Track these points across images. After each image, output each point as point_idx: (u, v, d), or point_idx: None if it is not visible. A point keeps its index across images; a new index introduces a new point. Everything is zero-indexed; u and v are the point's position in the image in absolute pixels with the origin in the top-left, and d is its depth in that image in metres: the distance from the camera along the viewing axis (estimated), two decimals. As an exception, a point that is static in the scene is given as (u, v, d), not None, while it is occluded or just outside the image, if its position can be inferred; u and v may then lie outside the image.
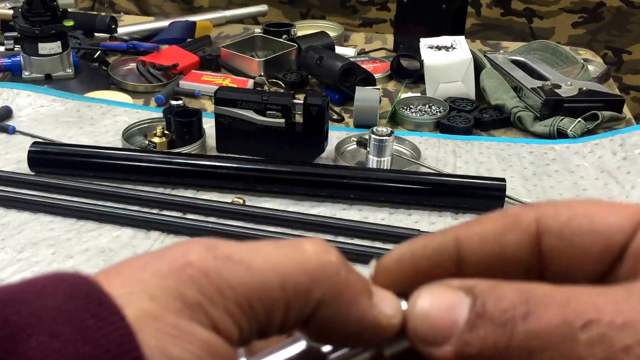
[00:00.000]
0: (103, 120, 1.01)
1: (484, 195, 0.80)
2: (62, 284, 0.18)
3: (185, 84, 1.14)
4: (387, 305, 0.22)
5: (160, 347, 0.17)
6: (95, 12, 1.65)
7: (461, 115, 1.04)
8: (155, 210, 0.79)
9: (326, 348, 0.22)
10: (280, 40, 1.28)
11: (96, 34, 1.34)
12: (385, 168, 0.87)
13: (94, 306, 0.17)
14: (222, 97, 0.87)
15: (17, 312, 0.17)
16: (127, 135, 0.94)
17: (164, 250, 0.21)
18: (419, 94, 1.14)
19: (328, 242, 0.72)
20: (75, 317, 0.17)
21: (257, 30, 1.36)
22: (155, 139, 0.90)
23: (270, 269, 0.20)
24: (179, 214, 0.78)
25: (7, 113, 1.01)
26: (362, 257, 0.71)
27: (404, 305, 0.22)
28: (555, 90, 1.02)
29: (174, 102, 0.92)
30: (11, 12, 1.19)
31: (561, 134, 0.99)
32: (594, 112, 1.00)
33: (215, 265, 0.19)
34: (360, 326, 0.21)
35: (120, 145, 0.92)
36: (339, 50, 1.30)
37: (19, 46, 1.10)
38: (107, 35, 1.32)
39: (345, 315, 0.21)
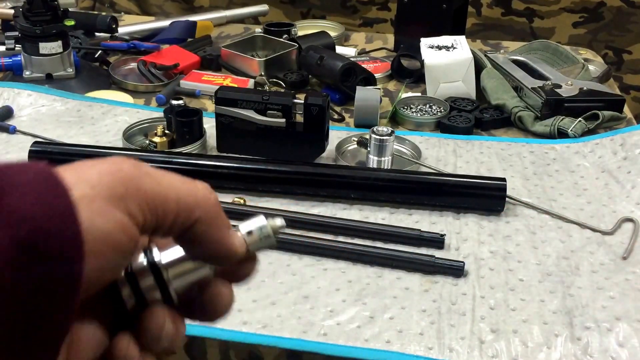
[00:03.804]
0: (104, 120, 1.01)
1: (484, 195, 0.80)
2: (33, 167, 0.26)
3: (185, 83, 1.14)
4: (240, 240, 0.34)
5: (90, 218, 0.26)
6: (95, 12, 1.65)
7: (462, 115, 1.04)
8: (155, 210, 0.79)
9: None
10: (281, 40, 1.28)
11: (97, 34, 1.34)
12: (385, 168, 0.87)
13: (52, 184, 0.26)
14: (222, 97, 0.87)
15: (1, 179, 0.25)
16: (128, 135, 0.94)
17: (106, 158, 0.29)
18: (419, 94, 1.14)
19: (328, 242, 0.72)
20: (40, 189, 0.25)
21: (258, 30, 1.36)
22: (156, 139, 0.90)
23: (172, 188, 0.30)
24: (180, 214, 0.78)
25: (7, 113, 1.01)
26: (363, 257, 0.71)
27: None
28: (555, 90, 1.02)
29: (174, 102, 0.92)
30: (12, 11, 1.19)
31: (562, 134, 0.99)
32: (594, 112, 0.99)
33: (138, 175, 0.28)
34: (218, 246, 0.31)
35: (121, 145, 0.92)
36: (339, 50, 1.30)
37: (20, 46, 1.11)
38: (108, 35, 1.32)
39: (211, 234, 0.31)
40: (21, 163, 0.26)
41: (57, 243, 0.25)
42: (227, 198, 0.81)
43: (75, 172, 0.27)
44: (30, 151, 0.85)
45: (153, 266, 0.31)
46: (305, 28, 1.43)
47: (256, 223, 0.35)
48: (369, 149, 0.87)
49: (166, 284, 0.31)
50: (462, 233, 0.76)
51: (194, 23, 1.37)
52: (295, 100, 0.86)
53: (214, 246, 0.32)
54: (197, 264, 0.32)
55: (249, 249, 0.35)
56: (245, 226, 0.35)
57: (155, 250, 0.31)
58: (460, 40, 1.12)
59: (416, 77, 1.20)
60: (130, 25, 1.40)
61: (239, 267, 0.36)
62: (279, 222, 0.37)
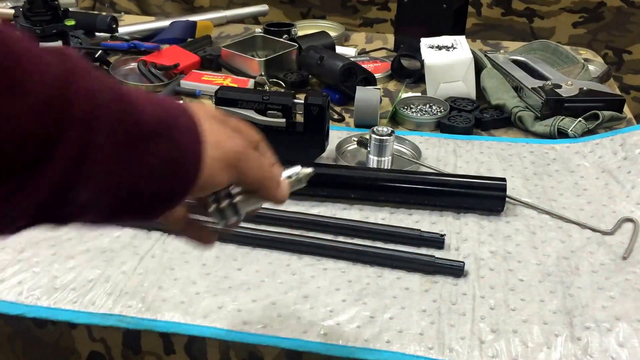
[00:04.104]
0: (104, 120, 1.01)
1: (484, 195, 0.80)
2: (192, 124, 0.43)
3: (186, 83, 1.14)
4: (283, 192, 0.52)
5: (209, 168, 0.43)
6: (96, 12, 1.66)
7: (462, 115, 1.04)
8: (155, 210, 0.79)
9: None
10: (281, 40, 1.28)
11: (97, 34, 1.34)
12: (385, 168, 0.87)
13: (198, 139, 0.43)
14: (222, 97, 0.87)
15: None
16: (128, 135, 0.94)
17: (236, 136, 0.47)
18: (419, 94, 1.14)
19: (328, 242, 0.72)
20: (192, 139, 0.43)
21: (258, 30, 1.36)
22: (156, 139, 0.90)
23: (258, 173, 0.49)
24: (180, 214, 0.79)
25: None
26: (363, 257, 0.71)
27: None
28: (555, 90, 1.02)
29: (174, 102, 0.92)
30: (12, 11, 1.19)
31: (562, 134, 0.99)
32: (594, 112, 1.00)
33: (244, 158, 0.47)
34: (270, 198, 0.51)
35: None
36: (339, 50, 1.30)
37: (20, 46, 1.10)
38: (108, 35, 1.33)
39: (267, 195, 0.50)
40: (182, 114, 0.43)
41: (193, 166, 0.42)
42: (227, 198, 0.81)
43: (213, 137, 0.44)
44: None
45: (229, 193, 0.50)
46: (305, 28, 1.43)
47: (293, 170, 0.54)
48: (369, 149, 0.87)
49: (235, 203, 0.50)
50: (462, 233, 0.76)
51: (194, 23, 1.37)
52: (295, 100, 0.86)
53: (268, 199, 0.51)
54: (255, 200, 0.51)
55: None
56: (286, 172, 0.53)
57: (233, 187, 0.50)
58: (460, 40, 1.12)
59: (416, 77, 1.20)
60: (131, 25, 1.40)
61: None
62: (309, 169, 0.54)
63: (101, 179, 0.37)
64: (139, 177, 0.39)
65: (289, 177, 0.53)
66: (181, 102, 0.55)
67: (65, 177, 0.34)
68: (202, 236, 0.52)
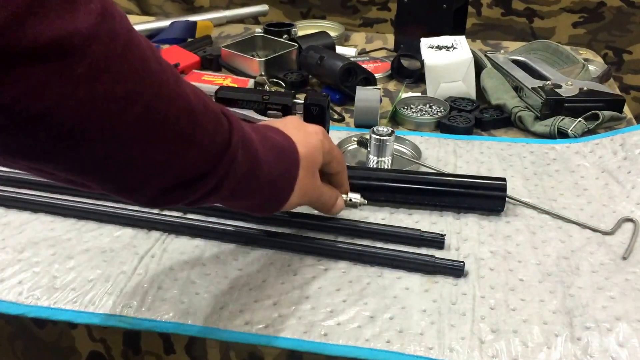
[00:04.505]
0: (104, 120, 1.01)
1: (484, 195, 0.80)
2: (288, 141, 0.64)
3: (185, 83, 1.14)
4: (340, 206, 0.74)
5: (302, 179, 0.65)
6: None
7: (462, 115, 1.04)
8: (156, 210, 0.79)
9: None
10: (281, 40, 1.28)
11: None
12: (385, 168, 0.87)
13: (294, 157, 0.64)
14: (222, 97, 0.87)
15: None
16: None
17: (313, 139, 0.67)
18: (419, 94, 1.14)
19: (328, 242, 0.72)
20: (289, 158, 0.64)
21: (258, 30, 1.36)
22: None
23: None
24: (180, 214, 0.79)
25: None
26: (363, 257, 0.71)
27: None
28: (555, 90, 1.02)
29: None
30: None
31: (562, 134, 0.99)
32: (594, 112, 1.00)
33: (327, 151, 0.69)
34: (331, 206, 0.73)
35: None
36: (339, 50, 1.30)
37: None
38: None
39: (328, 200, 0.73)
40: (280, 134, 0.65)
41: (289, 184, 0.63)
42: (227, 198, 0.82)
43: (304, 148, 0.65)
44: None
45: None
46: (305, 28, 1.43)
47: (355, 196, 0.75)
48: (369, 149, 0.87)
49: None
50: (462, 233, 0.76)
51: (194, 23, 1.37)
52: (296, 100, 0.86)
53: (322, 211, 0.74)
54: None
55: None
56: (350, 195, 0.75)
57: None
58: (460, 40, 1.12)
59: (416, 77, 1.20)
60: (131, 25, 1.40)
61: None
62: (364, 201, 0.75)
63: (219, 201, 0.58)
64: (245, 204, 0.62)
65: (349, 199, 0.74)
66: (293, 132, 0.66)
67: (199, 197, 0.54)
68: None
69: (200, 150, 0.51)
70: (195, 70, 1.20)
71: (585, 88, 1.03)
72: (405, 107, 1.07)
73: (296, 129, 0.66)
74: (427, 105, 1.08)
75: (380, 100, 1.05)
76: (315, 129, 0.68)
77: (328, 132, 0.89)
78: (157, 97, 0.46)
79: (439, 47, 1.11)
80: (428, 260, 0.70)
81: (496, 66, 1.14)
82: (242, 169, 0.56)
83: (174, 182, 0.51)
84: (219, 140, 0.53)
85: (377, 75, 1.17)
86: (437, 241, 0.74)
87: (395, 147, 0.90)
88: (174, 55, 1.23)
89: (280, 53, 1.22)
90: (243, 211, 0.64)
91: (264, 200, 0.62)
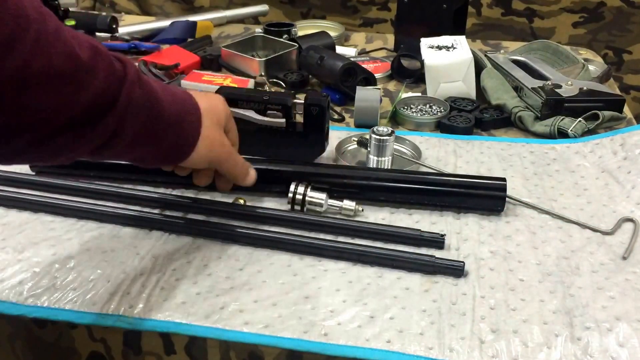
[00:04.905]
0: (104, 120, 1.01)
1: (484, 195, 0.80)
2: (190, 100, 0.69)
3: (186, 83, 1.14)
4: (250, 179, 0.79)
5: (206, 128, 0.69)
6: (96, 12, 1.66)
7: (462, 115, 1.04)
8: (156, 210, 0.79)
9: None
10: (281, 40, 1.28)
11: (97, 34, 1.34)
12: (385, 168, 0.87)
13: (196, 110, 0.69)
14: (222, 97, 0.87)
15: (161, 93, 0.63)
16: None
17: (215, 97, 0.74)
18: (419, 94, 1.14)
19: (328, 242, 0.72)
20: (191, 112, 0.68)
21: (258, 30, 1.36)
22: (156, 139, 0.90)
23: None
24: (180, 214, 0.79)
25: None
26: (363, 257, 0.71)
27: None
28: (555, 90, 1.02)
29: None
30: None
31: (562, 134, 0.99)
32: (594, 112, 1.00)
33: (228, 116, 0.75)
34: (237, 179, 0.78)
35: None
36: (339, 50, 1.30)
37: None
38: (108, 35, 1.33)
39: (234, 175, 0.77)
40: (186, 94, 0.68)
41: (186, 153, 0.67)
42: (227, 198, 0.81)
43: (205, 103, 0.69)
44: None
45: None
46: (305, 28, 1.43)
47: (348, 203, 0.79)
48: (369, 149, 0.87)
49: None
50: (462, 233, 0.76)
51: (194, 23, 1.37)
52: (296, 101, 0.86)
53: (235, 179, 0.78)
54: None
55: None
56: (344, 202, 0.79)
57: None
58: (460, 40, 1.12)
59: (416, 77, 1.20)
60: (131, 25, 1.40)
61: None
62: (356, 207, 0.79)
63: (127, 147, 0.59)
64: (152, 151, 0.64)
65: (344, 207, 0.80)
66: (194, 93, 0.70)
67: (105, 140, 0.56)
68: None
69: (92, 91, 0.52)
70: (196, 70, 1.20)
71: (585, 88, 1.03)
72: (405, 107, 1.07)
73: (195, 92, 0.71)
74: (427, 105, 1.08)
75: (380, 100, 1.05)
76: (216, 94, 0.75)
77: (328, 132, 0.89)
78: (37, 44, 0.47)
79: (439, 47, 1.11)
80: (428, 260, 0.70)
81: (496, 66, 1.14)
82: (142, 108, 0.58)
83: (65, 123, 0.52)
84: (113, 80, 0.55)
85: (377, 75, 1.17)
86: (437, 241, 0.74)
87: (395, 147, 0.90)
88: (174, 55, 1.23)
89: (280, 53, 1.22)
90: (152, 164, 0.67)
91: (170, 146, 0.64)
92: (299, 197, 0.78)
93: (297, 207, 0.79)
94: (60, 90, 0.50)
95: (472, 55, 1.08)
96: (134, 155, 0.63)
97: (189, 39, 1.34)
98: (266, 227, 0.76)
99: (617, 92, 1.13)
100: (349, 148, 0.94)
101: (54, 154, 0.54)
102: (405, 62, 1.23)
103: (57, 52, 0.49)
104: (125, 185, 0.83)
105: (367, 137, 0.87)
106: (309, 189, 0.79)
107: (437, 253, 0.72)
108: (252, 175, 0.77)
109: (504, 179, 0.80)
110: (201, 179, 0.77)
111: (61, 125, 0.52)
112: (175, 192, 0.83)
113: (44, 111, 0.50)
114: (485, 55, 1.17)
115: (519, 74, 1.09)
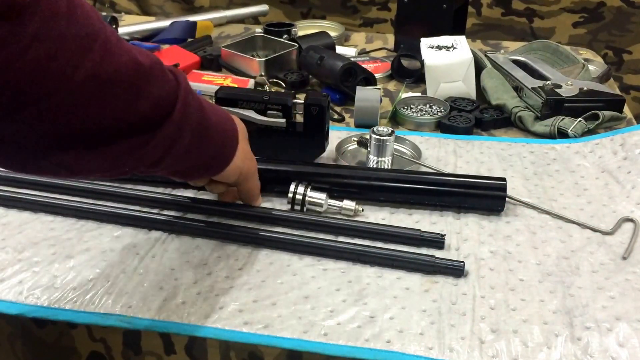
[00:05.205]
0: (104, 120, 1.01)
1: (484, 195, 0.80)
2: (227, 115, 0.72)
3: (186, 83, 1.14)
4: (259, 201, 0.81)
5: (240, 147, 0.71)
6: (96, 12, 1.65)
7: (462, 115, 1.04)
8: (156, 210, 0.79)
9: None
10: (281, 40, 1.28)
11: (97, 34, 1.33)
12: (385, 168, 0.87)
13: (234, 128, 0.71)
14: (222, 97, 0.87)
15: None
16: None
17: (239, 121, 0.74)
18: (419, 94, 1.14)
19: (328, 242, 0.72)
20: (232, 129, 0.71)
21: (258, 30, 1.36)
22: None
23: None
24: (180, 214, 0.79)
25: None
26: (363, 257, 0.71)
27: None
28: (555, 90, 1.02)
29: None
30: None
31: (562, 134, 0.99)
32: (594, 112, 1.00)
33: (254, 174, 0.77)
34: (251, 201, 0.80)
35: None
36: (339, 50, 1.30)
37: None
38: (108, 35, 1.32)
39: (248, 195, 0.79)
40: (222, 111, 0.70)
41: (225, 162, 0.69)
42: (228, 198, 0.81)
43: (242, 152, 0.71)
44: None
45: None
46: (305, 28, 1.43)
47: (348, 203, 0.80)
48: (369, 149, 0.87)
49: None
50: (462, 233, 0.76)
51: (194, 23, 1.37)
52: (296, 101, 0.86)
53: (250, 198, 0.79)
54: None
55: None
56: (344, 202, 0.80)
57: None
58: (461, 40, 1.12)
59: (416, 77, 1.20)
60: (131, 25, 1.40)
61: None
62: (356, 207, 0.80)
63: (182, 157, 0.61)
64: (200, 161, 0.66)
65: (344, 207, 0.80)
66: (234, 117, 0.73)
67: (165, 148, 0.57)
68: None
69: (152, 99, 0.54)
70: (195, 71, 1.20)
71: (585, 88, 1.03)
72: (405, 107, 1.07)
73: None
74: (427, 105, 1.08)
75: (380, 100, 1.05)
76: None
77: (328, 132, 0.89)
78: (105, 52, 0.48)
79: (439, 47, 1.11)
80: (428, 260, 0.70)
81: (496, 66, 1.14)
82: (194, 116, 0.60)
83: (126, 129, 0.53)
84: (169, 88, 0.57)
85: (377, 75, 1.17)
86: (437, 241, 0.74)
87: (395, 147, 0.90)
88: (174, 55, 1.23)
89: (280, 53, 1.22)
90: (196, 176, 0.71)
91: (215, 154, 0.68)
92: (299, 197, 0.78)
93: (297, 207, 0.79)
94: (124, 97, 0.51)
95: (472, 55, 1.08)
96: (185, 165, 0.64)
97: (189, 39, 1.34)
98: (266, 227, 0.76)
99: (617, 92, 1.13)
100: (349, 148, 0.94)
101: (115, 162, 0.55)
102: (405, 62, 1.23)
103: (122, 61, 0.50)
104: (125, 185, 0.83)
105: (367, 137, 0.87)
106: (309, 189, 0.79)
107: (437, 253, 0.72)
108: (260, 199, 0.80)
109: (504, 179, 0.80)
110: (227, 195, 0.79)
111: (123, 131, 0.53)
112: (175, 192, 0.83)
113: (107, 118, 0.51)
114: (485, 55, 1.17)
115: (519, 74, 1.09)
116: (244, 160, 0.72)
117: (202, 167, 0.68)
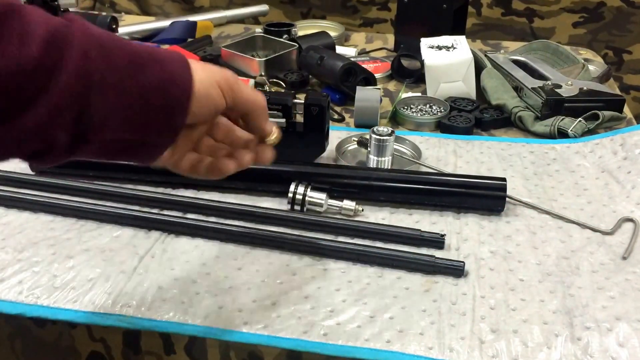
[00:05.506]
0: (104, 120, 1.01)
1: (485, 195, 0.79)
2: (177, 55, 0.49)
3: (185, 83, 1.14)
4: (271, 125, 0.58)
5: (199, 82, 0.49)
6: (96, 12, 1.65)
7: (462, 115, 1.04)
8: (155, 210, 0.79)
9: None
10: (281, 40, 1.28)
11: (97, 34, 1.33)
12: (385, 168, 0.87)
13: (186, 65, 0.49)
14: (222, 97, 0.87)
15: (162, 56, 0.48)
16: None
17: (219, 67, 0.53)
18: (419, 94, 1.14)
19: (328, 242, 0.71)
20: (180, 65, 0.48)
21: (258, 30, 1.36)
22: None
23: (247, 90, 0.54)
24: (180, 214, 0.78)
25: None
26: (363, 257, 0.71)
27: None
28: (555, 90, 1.02)
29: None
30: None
31: (562, 134, 0.99)
32: (594, 112, 1.00)
33: (232, 77, 0.53)
34: (259, 125, 0.57)
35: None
36: (339, 50, 1.30)
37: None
38: (108, 35, 1.32)
39: (257, 120, 0.56)
40: (171, 51, 0.49)
41: (180, 87, 0.48)
42: (226, 198, 0.81)
43: (199, 64, 0.50)
44: (30, 151, 0.85)
45: None
46: (305, 28, 1.43)
47: (348, 203, 0.79)
48: (369, 149, 0.87)
49: None
50: (462, 233, 0.76)
51: (194, 23, 1.37)
52: (296, 101, 0.86)
53: (257, 125, 0.57)
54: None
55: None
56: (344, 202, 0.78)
57: None
58: (461, 40, 1.12)
59: (416, 77, 1.20)
60: (131, 25, 1.40)
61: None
62: (356, 207, 0.79)
63: (107, 98, 0.44)
64: (139, 95, 0.45)
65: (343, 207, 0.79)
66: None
67: (69, 99, 0.41)
68: (215, 167, 0.58)
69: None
70: (195, 70, 1.20)
71: (585, 88, 1.03)
72: (405, 107, 1.07)
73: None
74: (427, 105, 1.08)
75: (380, 100, 1.05)
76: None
77: (328, 132, 0.89)
78: None
79: (439, 47, 1.10)
80: (428, 260, 0.69)
81: (496, 66, 1.13)
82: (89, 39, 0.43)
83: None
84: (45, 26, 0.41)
85: (377, 75, 1.17)
86: (437, 241, 0.74)
87: (395, 147, 0.90)
88: (174, 55, 1.23)
89: (280, 53, 1.22)
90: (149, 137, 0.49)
91: (159, 83, 0.46)
92: (299, 197, 0.78)
93: (297, 207, 0.79)
94: None
95: (472, 55, 1.08)
96: (124, 117, 0.46)
97: (189, 39, 1.34)
98: (266, 227, 0.76)
99: (617, 92, 1.13)
100: (349, 148, 0.94)
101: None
102: (405, 62, 1.23)
103: None
104: (125, 185, 0.83)
105: (367, 137, 0.87)
106: (309, 189, 0.79)
107: (437, 253, 0.72)
108: (275, 129, 0.59)
109: (504, 179, 0.80)
110: (199, 167, 0.58)
111: None
112: (175, 192, 0.83)
113: None
114: (485, 55, 1.17)
115: (519, 74, 1.09)
116: (209, 73, 0.51)
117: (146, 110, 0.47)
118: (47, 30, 0.41)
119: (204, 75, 0.50)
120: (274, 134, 0.59)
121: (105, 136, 0.45)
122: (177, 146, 0.55)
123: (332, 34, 1.35)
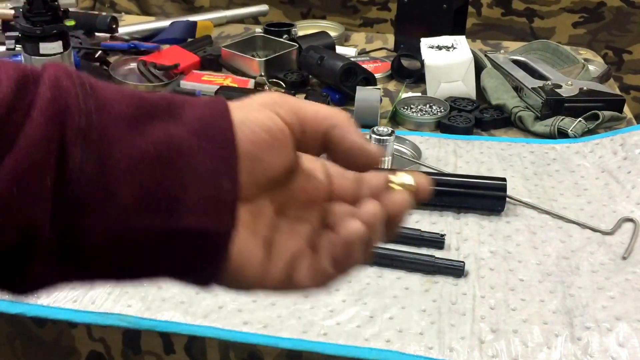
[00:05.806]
0: (104, 120, 1.01)
1: (485, 195, 0.79)
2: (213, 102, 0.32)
3: (186, 84, 1.14)
4: (375, 147, 0.37)
5: (242, 114, 0.32)
6: (96, 12, 1.65)
7: (462, 115, 1.04)
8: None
9: None
10: (281, 40, 1.28)
11: (97, 34, 1.34)
12: (385, 168, 0.87)
13: (220, 103, 0.32)
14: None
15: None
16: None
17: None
18: (419, 94, 1.14)
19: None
20: (210, 104, 0.32)
21: (258, 30, 1.36)
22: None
23: (311, 104, 0.34)
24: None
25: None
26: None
27: None
28: (555, 90, 1.02)
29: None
30: (12, 12, 1.19)
31: (562, 134, 0.99)
32: (594, 112, 0.99)
33: (283, 96, 0.34)
34: (355, 146, 0.35)
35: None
36: (339, 50, 1.30)
37: (20, 46, 1.11)
38: (108, 35, 1.33)
39: (348, 137, 0.35)
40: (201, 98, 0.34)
41: (219, 130, 0.31)
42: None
43: (235, 103, 0.33)
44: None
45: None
46: (305, 28, 1.43)
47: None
48: (369, 149, 0.87)
49: None
50: (462, 233, 0.76)
51: (194, 23, 1.37)
52: (296, 100, 0.86)
53: (352, 146, 0.35)
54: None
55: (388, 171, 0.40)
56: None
57: None
58: (461, 40, 1.12)
59: (416, 77, 1.20)
60: (131, 25, 1.40)
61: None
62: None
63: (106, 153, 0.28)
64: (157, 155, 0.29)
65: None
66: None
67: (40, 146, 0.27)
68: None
69: None
70: (195, 71, 1.20)
71: (585, 88, 1.03)
72: (405, 107, 1.07)
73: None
74: (427, 105, 1.08)
75: (380, 100, 1.05)
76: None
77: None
78: None
79: (439, 47, 1.10)
80: (428, 260, 0.69)
81: (496, 66, 1.13)
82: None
83: None
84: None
85: (377, 75, 1.17)
86: (437, 241, 0.74)
87: (395, 147, 0.90)
88: (174, 55, 1.23)
89: (280, 53, 1.22)
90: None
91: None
92: None
93: None
94: None
95: (472, 55, 1.08)
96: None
97: (189, 39, 1.34)
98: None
99: (617, 92, 1.13)
100: (349, 148, 0.94)
101: None
102: (405, 62, 1.23)
103: None
104: (125, 185, 0.83)
105: (367, 137, 0.87)
106: None
107: (437, 253, 0.72)
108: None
109: (504, 179, 0.80)
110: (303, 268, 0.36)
111: None
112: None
113: None
114: (485, 55, 1.17)
115: (519, 74, 1.09)
116: (250, 104, 0.34)
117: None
118: (16, 73, 0.27)
119: (244, 109, 0.33)
120: (406, 177, 0.38)
121: (109, 221, 0.29)
122: (245, 233, 0.33)
123: (332, 34, 1.35)
